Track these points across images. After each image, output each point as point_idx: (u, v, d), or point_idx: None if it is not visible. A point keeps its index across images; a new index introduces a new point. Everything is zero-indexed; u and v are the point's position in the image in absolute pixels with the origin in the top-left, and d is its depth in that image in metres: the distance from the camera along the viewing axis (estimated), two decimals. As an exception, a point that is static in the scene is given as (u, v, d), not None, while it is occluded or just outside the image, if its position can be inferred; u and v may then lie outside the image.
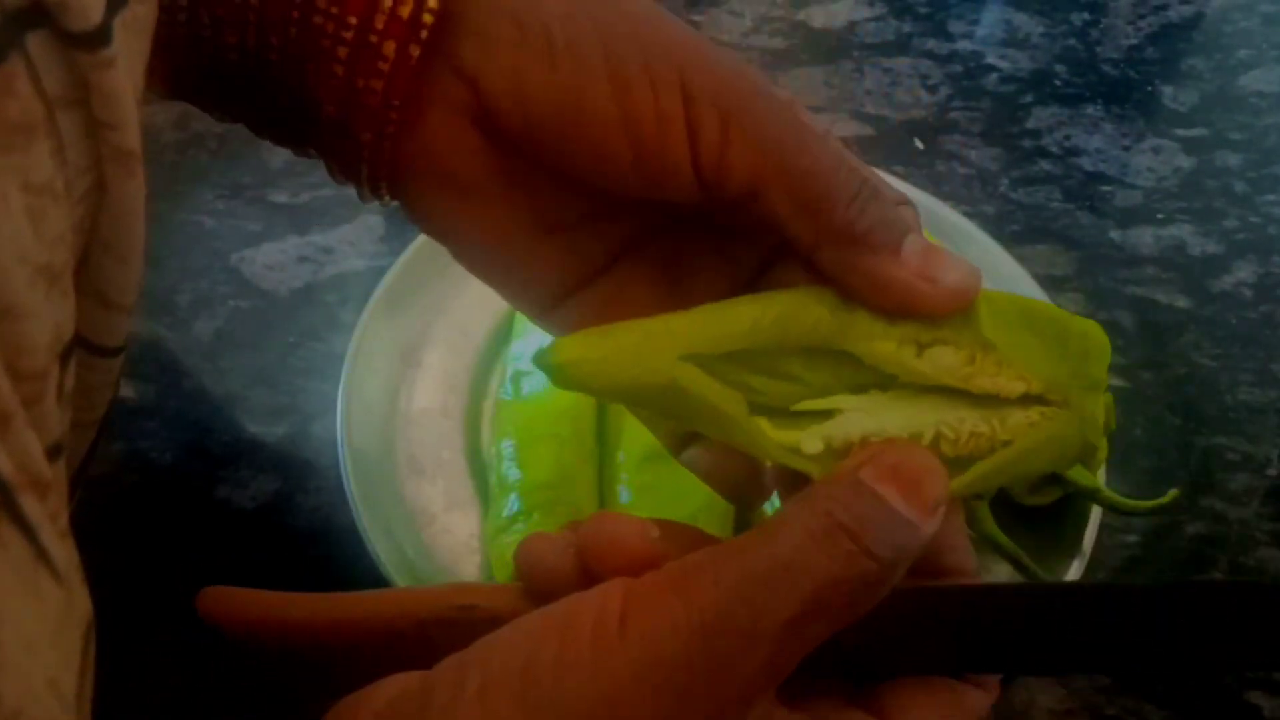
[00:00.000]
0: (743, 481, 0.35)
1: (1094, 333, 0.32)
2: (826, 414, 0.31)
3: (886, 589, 0.28)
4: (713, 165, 0.30)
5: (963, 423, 0.31)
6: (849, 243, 0.31)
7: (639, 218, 0.34)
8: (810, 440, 0.31)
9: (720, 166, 0.30)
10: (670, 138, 0.30)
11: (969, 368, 0.31)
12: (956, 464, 0.31)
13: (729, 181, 0.30)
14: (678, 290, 0.35)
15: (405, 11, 0.30)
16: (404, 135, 0.31)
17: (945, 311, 0.31)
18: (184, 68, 0.32)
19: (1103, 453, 0.47)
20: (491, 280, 0.36)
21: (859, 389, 0.32)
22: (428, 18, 0.30)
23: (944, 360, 0.31)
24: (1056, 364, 0.32)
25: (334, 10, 0.30)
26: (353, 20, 0.30)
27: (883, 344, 0.31)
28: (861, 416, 0.31)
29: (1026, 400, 0.32)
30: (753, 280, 0.34)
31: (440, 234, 0.35)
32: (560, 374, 0.30)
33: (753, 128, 0.30)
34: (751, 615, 0.26)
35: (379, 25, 0.30)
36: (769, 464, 0.35)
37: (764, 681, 0.27)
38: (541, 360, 0.30)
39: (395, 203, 0.35)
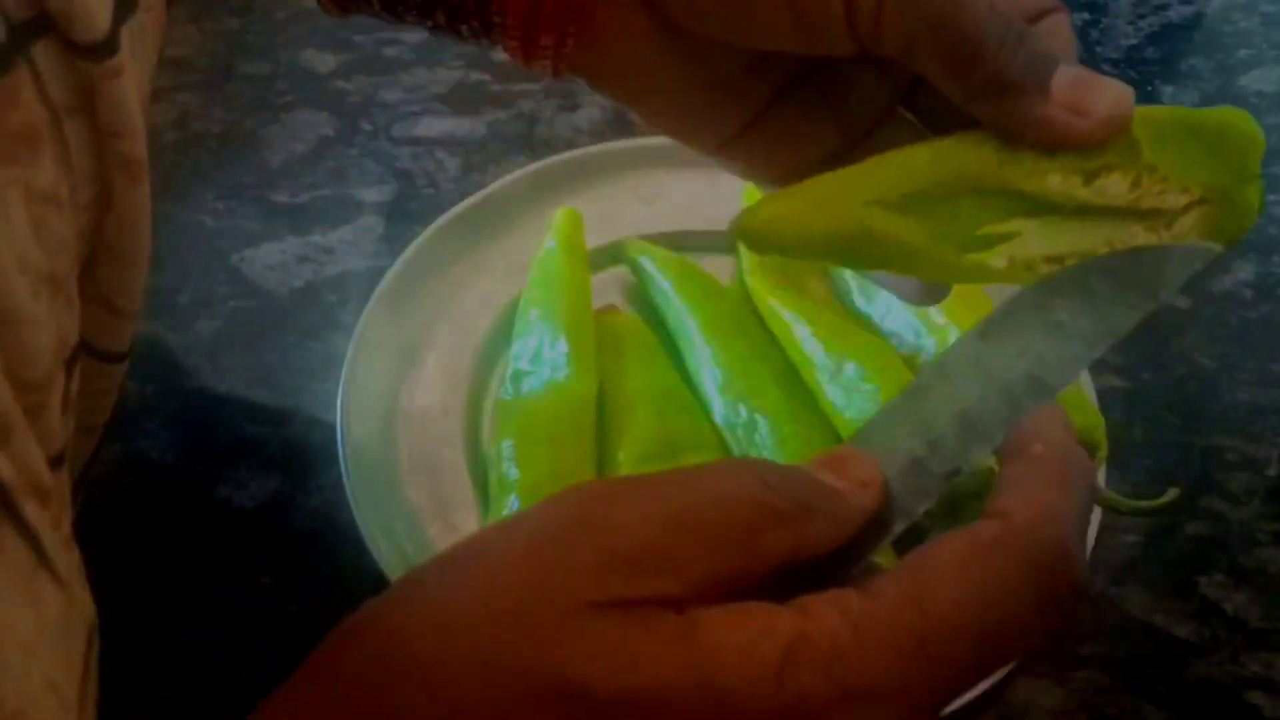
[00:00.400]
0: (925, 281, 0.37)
1: (1245, 124, 0.34)
2: (1007, 238, 0.33)
3: (791, 532, 0.27)
4: (869, 30, 0.32)
5: (1134, 237, 0.34)
6: (1000, 91, 0.32)
7: (799, 58, 0.36)
8: (996, 257, 0.33)
9: (876, 30, 0.32)
10: (829, 6, 0.32)
11: (1135, 191, 0.33)
12: None
13: (885, 42, 0.32)
14: (840, 114, 0.37)
15: None
16: (583, 30, 0.35)
17: (1101, 140, 0.32)
18: None
19: (1103, 452, 0.47)
20: (664, 129, 0.39)
21: (1033, 216, 0.33)
22: None
23: (1111, 188, 0.33)
24: (1216, 166, 0.34)
25: None
26: None
27: (1050, 178, 0.33)
28: (1039, 237, 0.33)
29: (1189, 206, 0.34)
30: (909, 95, 0.37)
31: (616, 98, 0.38)
32: (756, 236, 0.32)
33: None
34: (631, 493, 0.27)
35: None
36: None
37: (631, 559, 0.26)
38: (737, 227, 0.32)
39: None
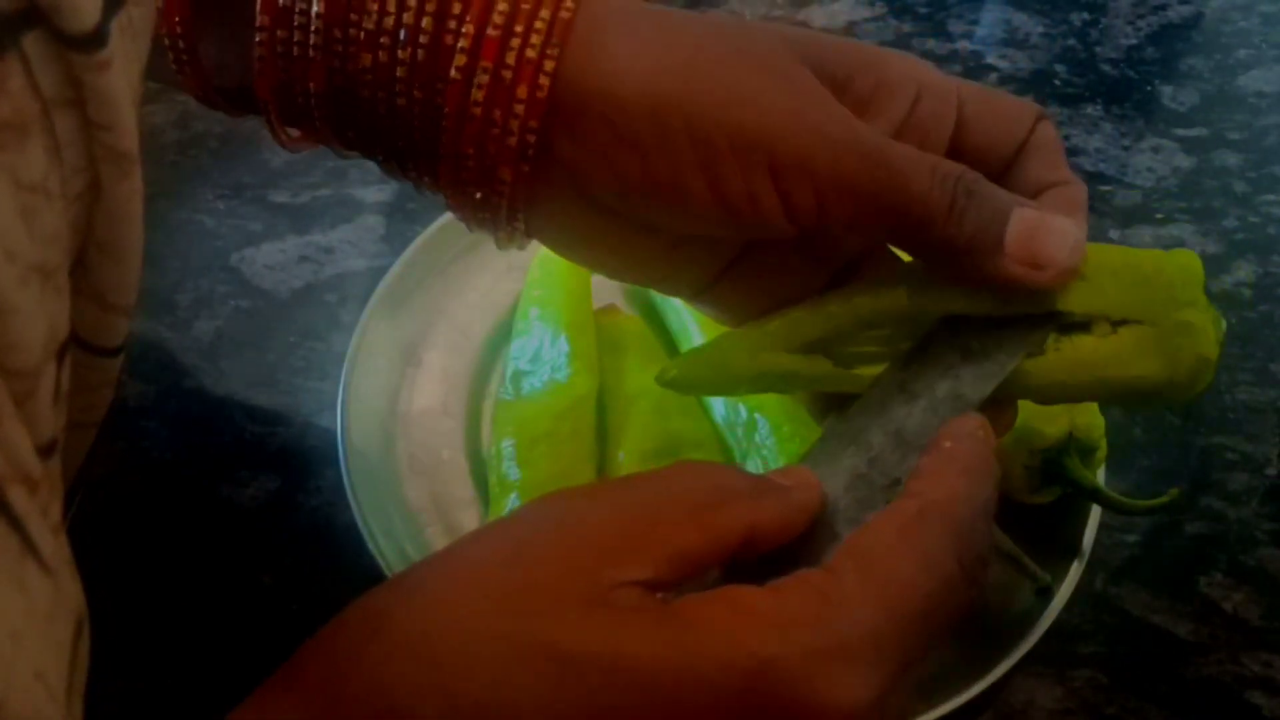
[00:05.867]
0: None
1: (1173, 263, 0.35)
2: None
3: (746, 509, 0.29)
4: (810, 222, 0.33)
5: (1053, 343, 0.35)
6: (954, 254, 0.33)
7: None
8: None
9: (818, 221, 0.33)
10: (764, 210, 0.33)
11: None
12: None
13: (828, 228, 0.33)
14: (814, 257, 0.37)
15: (513, 141, 0.33)
16: (529, 215, 0.35)
17: (1054, 287, 0.33)
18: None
19: (1102, 453, 0.47)
20: (636, 283, 0.40)
21: None
22: (530, 137, 0.33)
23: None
24: (1139, 300, 0.34)
25: (452, 145, 0.33)
26: (471, 151, 0.33)
27: (957, 304, 0.35)
28: None
29: (1115, 324, 0.35)
30: None
31: (573, 261, 0.39)
32: (677, 386, 0.37)
33: (845, 183, 0.32)
34: (599, 492, 0.30)
35: (491, 150, 0.33)
36: None
37: (602, 544, 0.28)
38: (660, 379, 0.37)
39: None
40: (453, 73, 0.32)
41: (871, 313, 0.36)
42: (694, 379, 0.37)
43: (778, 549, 0.30)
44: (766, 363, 0.36)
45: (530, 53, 0.32)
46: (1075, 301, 0.34)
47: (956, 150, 0.35)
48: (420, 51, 0.32)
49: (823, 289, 0.37)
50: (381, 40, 0.32)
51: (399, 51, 0.32)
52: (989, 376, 0.34)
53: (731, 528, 0.29)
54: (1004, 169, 0.35)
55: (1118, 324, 0.34)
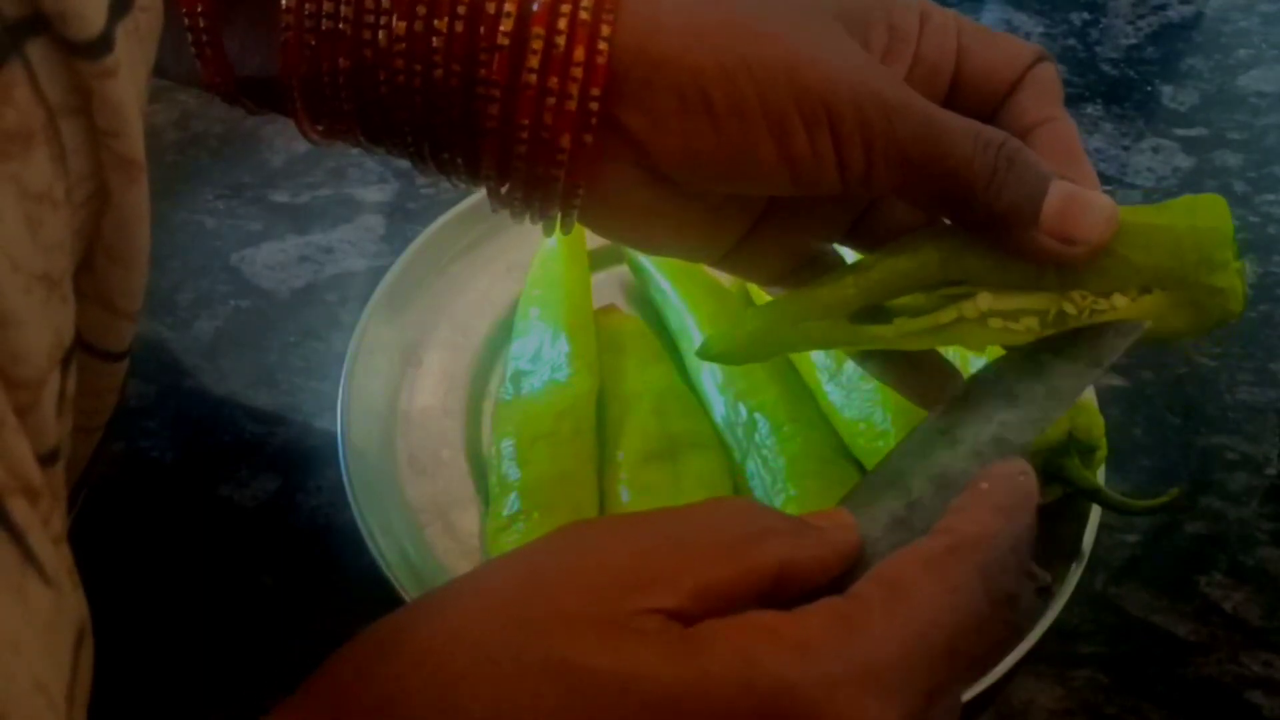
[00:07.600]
0: (918, 378, 0.39)
1: (1203, 223, 0.35)
2: (961, 298, 0.36)
3: (779, 546, 0.29)
4: (861, 185, 0.34)
5: (1084, 299, 0.35)
6: (992, 224, 0.33)
7: None
8: (946, 314, 0.36)
9: (868, 185, 0.33)
10: (824, 169, 0.33)
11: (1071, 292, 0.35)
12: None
13: (876, 191, 0.34)
14: (836, 208, 0.38)
15: (572, 105, 0.32)
16: (586, 195, 0.34)
17: (1084, 262, 0.34)
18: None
19: (1102, 452, 0.47)
20: (667, 255, 0.40)
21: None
22: (594, 105, 0.32)
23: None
24: (1172, 268, 0.35)
25: (503, 117, 0.32)
26: (525, 121, 0.32)
27: (989, 278, 0.35)
28: (991, 297, 0.36)
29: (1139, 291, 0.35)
30: None
31: (608, 237, 0.39)
32: (716, 359, 0.39)
33: (894, 151, 0.32)
34: (626, 524, 0.30)
35: (549, 121, 0.32)
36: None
37: (628, 573, 0.28)
38: (700, 352, 0.39)
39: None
40: (499, 38, 0.31)
41: (906, 279, 0.36)
42: (737, 352, 0.39)
43: (813, 592, 0.29)
44: (807, 332, 0.37)
45: (584, 15, 0.31)
46: (1107, 274, 0.34)
47: (955, 82, 0.36)
48: (458, 23, 0.32)
49: (842, 236, 0.39)
50: (418, 9, 0.32)
51: (435, 21, 0.32)
52: (1033, 423, 0.33)
53: (763, 564, 0.28)
54: (999, 103, 0.36)
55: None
